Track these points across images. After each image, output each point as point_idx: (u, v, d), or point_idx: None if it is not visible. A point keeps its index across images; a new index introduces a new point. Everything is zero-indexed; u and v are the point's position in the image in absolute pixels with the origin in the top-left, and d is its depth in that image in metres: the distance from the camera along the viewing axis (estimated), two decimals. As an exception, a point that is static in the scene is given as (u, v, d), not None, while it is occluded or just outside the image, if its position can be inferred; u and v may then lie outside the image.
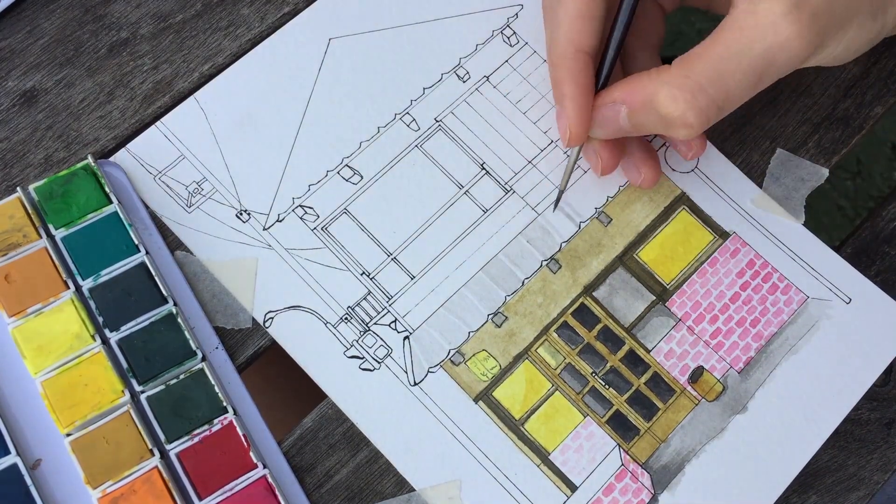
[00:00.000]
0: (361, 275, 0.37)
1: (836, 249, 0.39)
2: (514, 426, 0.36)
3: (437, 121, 0.40)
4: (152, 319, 0.34)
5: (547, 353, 0.37)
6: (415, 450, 0.35)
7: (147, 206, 0.37)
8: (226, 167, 0.38)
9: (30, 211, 0.35)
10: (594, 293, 0.38)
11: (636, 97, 0.34)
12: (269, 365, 0.37)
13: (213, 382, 0.34)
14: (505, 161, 0.39)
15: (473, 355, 0.36)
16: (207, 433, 0.33)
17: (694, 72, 0.33)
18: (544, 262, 0.38)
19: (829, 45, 0.33)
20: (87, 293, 0.35)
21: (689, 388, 0.37)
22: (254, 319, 0.36)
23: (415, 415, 0.35)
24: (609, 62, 0.35)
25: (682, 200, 0.39)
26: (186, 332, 0.34)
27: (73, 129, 0.39)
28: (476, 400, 0.36)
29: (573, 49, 0.35)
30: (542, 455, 0.35)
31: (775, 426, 0.36)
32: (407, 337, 0.36)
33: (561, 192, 0.38)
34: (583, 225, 0.39)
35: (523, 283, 0.38)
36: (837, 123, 0.41)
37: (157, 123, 0.39)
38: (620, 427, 0.36)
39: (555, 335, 0.37)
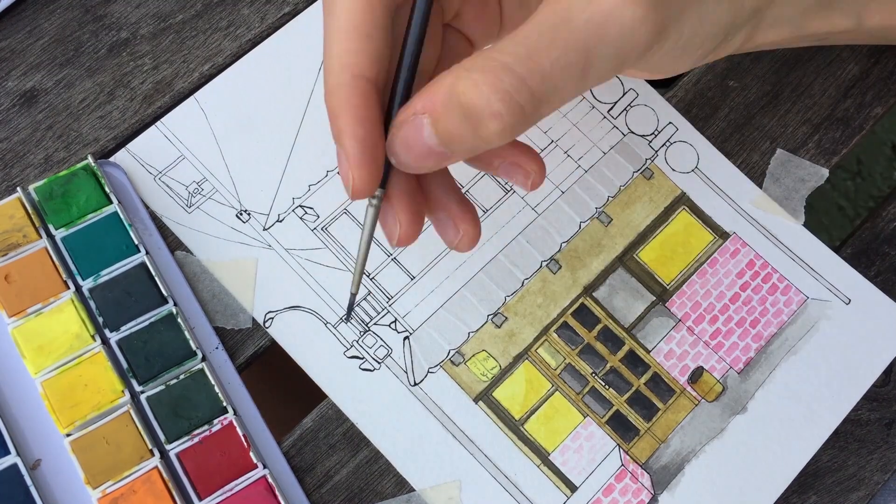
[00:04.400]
0: (361, 275, 0.37)
1: (836, 249, 0.39)
2: (514, 426, 0.36)
3: (437, 121, 0.40)
4: (152, 319, 0.34)
5: (547, 354, 0.37)
6: (415, 450, 0.35)
7: (147, 207, 0.37)
8: (226, 167, 0.38)
9: (30, 211, 0.35)
10: (594, 293, 0.38)
11: (437, 96, 0.26)
12: (269, 365, 0.37)
13: (213, 382, 0.34)
14: (505, 161, 0.39)
15: (473, 356, 0.36)
16: (207, 433, 0.33)
17: (499, 51, 0.26)
18: (544, 263, 0.38)
19: (673, 25, 0.28)
20: (87, 293, 0.35)
21: (688, 388, 0.37)
22: (254, 319, 0.36)
23: (415, 415, 0.35)
24: (403, 82, 0.29)
25: (683, 201, 0.39)
26: (186, 333, 0.34)
27: (73, 130, 0.39)
28: (476, 400, 0.36)
29: (349, 76, 0.28)
30: (542, 455, 0.35)
31: (775, 426, 0.36)
32: (407, 337, 0.36)
33: (353, 297, 0.32)
34: (583, 225, 0.39)
35: (523, 283, 0.38)
36: (837, 124, 0.41)
37: (158, 123, 0.39)
38: (620, 427, 0.36)
39: (555, 335, 0.37)
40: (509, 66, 0.25)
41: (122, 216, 0.36)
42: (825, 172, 0.40)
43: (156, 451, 0.33)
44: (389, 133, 0.28)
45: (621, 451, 0.36)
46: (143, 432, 0.33)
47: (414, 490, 0.35)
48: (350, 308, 0.33)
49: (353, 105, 0.28)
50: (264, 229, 0.38)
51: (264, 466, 0.33)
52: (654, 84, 0.41)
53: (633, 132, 0.40)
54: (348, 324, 0.36)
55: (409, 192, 0.30)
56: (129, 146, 0.38)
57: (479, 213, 0.38)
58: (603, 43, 0.26)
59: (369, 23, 0.28)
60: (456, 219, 0.31)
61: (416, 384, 0.36)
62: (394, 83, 0.29)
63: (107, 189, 0.36)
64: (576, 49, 0.26)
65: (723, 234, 0.39)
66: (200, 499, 0.32)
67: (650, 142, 0.40)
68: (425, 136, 0.27)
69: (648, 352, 0.37)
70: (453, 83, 0.26)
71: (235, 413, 0.34)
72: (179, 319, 0.34)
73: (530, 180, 0.30)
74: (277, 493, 0.33)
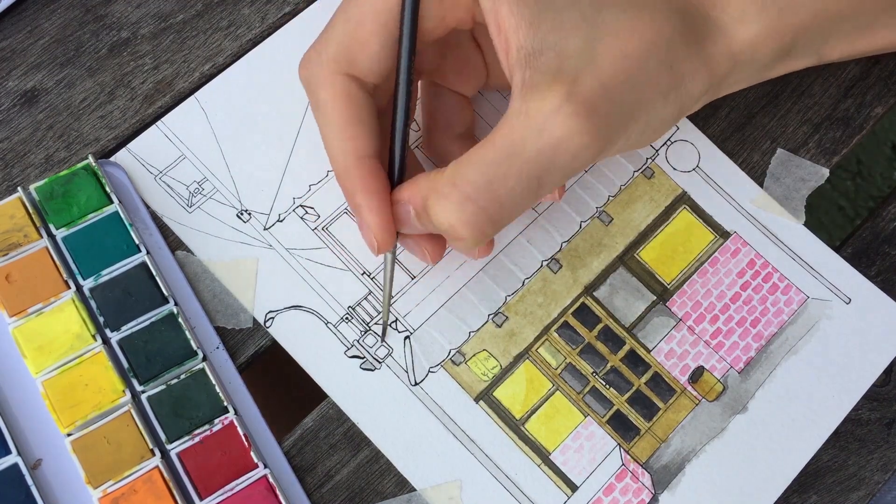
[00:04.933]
0: (362, 275, 0.37)
1: (837, 249, 0.39)
2: (514, 426, 0.36)
3: (437, 121, 0.40)
4: (153, 319, 0.34)
5: (547, 353, 0.37)
6: (415, 450, 0.35)
7: (148, 206, 0.37)
8: (226, 167, 0.38)
9: (30, 211, 0.35)
10: (595, 293, 0.38)
11: (416, 201, 0.31)
12: (270, 364, 0.37)
13: (213, 382, 0.34)
14: (505, 161, 0.39)
15: (474, 355, 0.36)
16: (208, 433, 0.33)
17: (462, 179, 0.30)
18: (544, 262, 0.38)
19: (620, 137, 0.31)
20: (87, 293, 0.35)
21: (689, 388, 0.37)
22: (254, 319, 0.36)
23: (415, 415, 0.35)
24: (398, 162, 0.33)
25: (683, 200, 0.39)
26: (187, 332, 0.34)
27: (73, 129, 0.39)
28: (477, 400, 0.36)
29: (353, 158, 0.32)
30: (542, 455, 0.35)
31: (776, 426, 0.36)
32: (408, 337, 0.36)
33: (385, 324, 0.36)
34: (583, 224, 0.39)
35: (524, 282, 0.38)
36: (838, 123, 0.41)
37: (158, 123, 0.39)
38: (621, 427, 0.36)
39: (555, 335, 0.37)
40: (471, 198, 0.29)
41: (122, 216, 0.36)
42: (825, 172, 0.40)
43: (156, 451, 0.33)
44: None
45: (622, 450, 0.36)
46: (143, 432, 0.33)
47: (415, 490, 0.35)
48: (384, 333, 0.36)
49: (363, 184, 0.32)
50: (265, 229, 0.38)
51: (265, 466, 0.33)
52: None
53: (633, 132, 0.40)
54: (376, 338, 0.36)
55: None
56: (129, 146, 0.38)
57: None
58: (553, 169, 0.29)
59: (355, 110, 0.32)
60: (421, 240, 0.35)
61: (416, 384, 0.36)
62: (390, 160, 0.33)
63: (107, 189, 0.36)
64: (528, 178, 0.29)
65: (723, 234, 0.39)
66: (201, 498, 0.32)
67: (650, 141, 0.40)
68: (411, 219, 0.32)
69: (649, 351, 0.37)
70: (426, 198, 0.31)
71: (236, 413, 0.34)
72: (180, 319, 0.34)
73: (427, 255, 0.35)
74: (278, 492, 0.33)
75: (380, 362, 0.36)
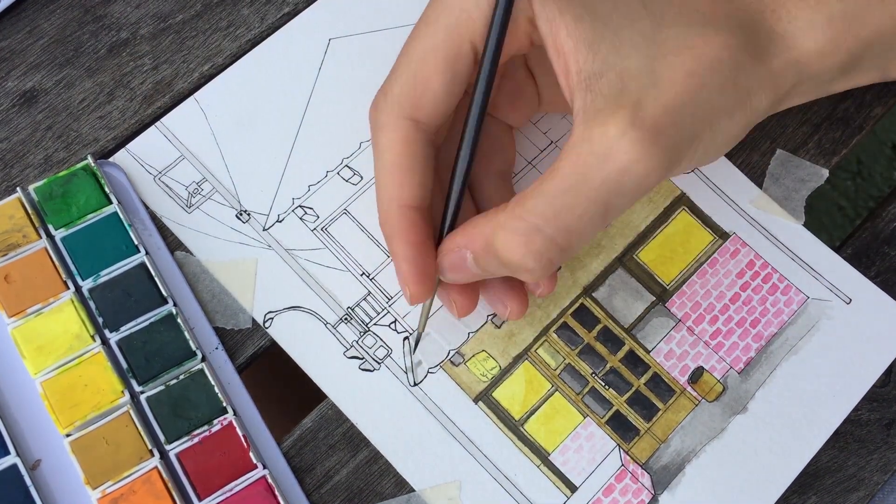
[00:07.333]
0: (361, 275, 0.37)
1: (837, 250, 0.39)
2: (513, 427, 0.36)
3: (437, 121, 0.40)
4: (152, 320, 0.34)
5: (546, 354, 0.37)
6: (414, 450, 0.35)
7: (147, 207, 0.37)
8: (226, 167, 0.38)
9: (29, 211, 0.35)
10: (594, 294, 0.38)
11: (476, 243, 0.31)
12: (269, 365, 0.37)
13: (212, 383, 0.34)
14: (505, 161, 0.39)
15: (473, 356, 0.36)
16: (207, 434, 0.33)
17: (528, 211, 0.29)
18: (544, 263, 0.38)
19: (685, 157, 0.30)
20: (86, 293, 0.35)
21: (689, 388, 0.37)
22: (253, 320, 0.36)
23: (414, 415, 0.35)
24: (452, 211, 0.33)
25: (682, 201, 0.39)
26: (186, 333, 0.34)
27: (72, 130, 0.39)
28: (476, 400, 0.36)
29: (396, 206, 0.32)
30: (541, 455, 0.35)
31: (776, 427, 0.36)
32: (407, 337, 0.36)
33: (419, 335, 0.36)
34: (583, 225, 0.39)
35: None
36: (837, 124, 0.41)
37: (157, 124, 0.39)
38: (620, 427, 0.36)
39: (554, 336, 0.37)
40: (539, 228, 0.29)
41: (121, 216, 0.36)
42: (825, 172, 0.40)
43: (155, 452, 0.33)
44: (438, 255, 0.33)
45: (621, 451, 0.36)
46: (142, 432, 0.33)
47: (414, 490, 0.35)
48: (416, 344, 0.36)
49: (402, 231, 0.32)
50: (264, 229, 0.38)
51: (264, 467, 0.33)
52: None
53: (632, 132, 0.40)
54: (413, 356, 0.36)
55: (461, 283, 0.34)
56: (128, 146, 0.38)
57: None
58: (619, 195, 0.29)
59: (410, 158, 0.32)
60: (502, 296, 0.35)
61: (415, 384, 0.36)
62: (444, 209, 0.33)
63: (106, 189, 0.36)
64: (596, 204, 0.29)
65: (723, 235, 0.39)
66: (200, 499, 0.32)
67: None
68: (468, 264, 0.32)
69: (648, 352, 0.37)
70: (491, 235, 0.30)
71: (235, 413, 0.34)
72: (179, 320, 0.34)
73: (507, 311, 0.35)
74: (277, 493, 0.33)
75: (379, 363, 0.36)
